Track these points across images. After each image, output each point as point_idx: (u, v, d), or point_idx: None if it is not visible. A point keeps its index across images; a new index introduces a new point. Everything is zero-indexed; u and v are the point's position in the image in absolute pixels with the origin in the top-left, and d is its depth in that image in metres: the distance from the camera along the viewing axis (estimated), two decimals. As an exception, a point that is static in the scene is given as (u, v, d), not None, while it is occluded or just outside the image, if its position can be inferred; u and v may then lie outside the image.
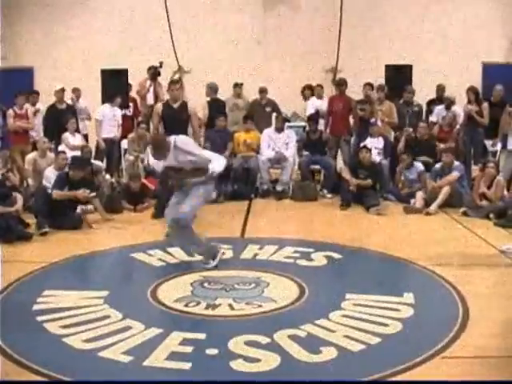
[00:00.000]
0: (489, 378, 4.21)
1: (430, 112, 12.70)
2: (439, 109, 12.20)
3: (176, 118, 8.87)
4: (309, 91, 13.55)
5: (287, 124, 12.36)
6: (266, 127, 12.01)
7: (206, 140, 11.50)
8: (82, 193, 8.81)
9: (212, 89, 12.72)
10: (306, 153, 11.70)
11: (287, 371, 4.30)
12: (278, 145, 11.57)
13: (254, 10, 15.79)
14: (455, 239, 8.15)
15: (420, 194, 10.08)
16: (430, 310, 5.53)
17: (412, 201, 10.10)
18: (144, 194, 10.21)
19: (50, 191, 9.00)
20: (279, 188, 11.43)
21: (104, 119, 12.34)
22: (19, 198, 8.49)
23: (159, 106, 9.26)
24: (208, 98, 12.60)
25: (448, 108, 11.95)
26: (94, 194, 9.06)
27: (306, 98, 13.48)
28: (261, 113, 12.80)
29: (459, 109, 12.05)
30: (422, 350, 4.56)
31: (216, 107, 12.39)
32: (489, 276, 6.53)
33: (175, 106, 9.04)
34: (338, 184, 10.90)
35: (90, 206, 9.30)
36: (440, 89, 13.02)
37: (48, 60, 15.85)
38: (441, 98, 12.73)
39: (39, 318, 5.27)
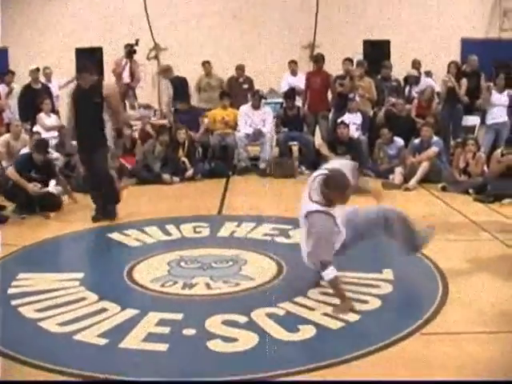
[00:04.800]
0: (468, 353, 4.20)
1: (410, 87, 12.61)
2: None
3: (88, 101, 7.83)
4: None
5: (264, 101, 12.24)
6: (244, 104, 11.90)
7: (177, 122, 11.41)
8: (32, 187, 8.32)
9: (166, 71, 12.68)
10: (283, 129, 11.62)
11: (265, 350, 4.25)
12: (255, 121, 11.49)
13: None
14: (434, 214, 8.13)
15: (399, 170, 10.04)
16: (410, 286, 5.50)
17: (391, 176, 10.07)
18: (121, 173, 10.07)
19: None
20: (262, 165, 11.36)
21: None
22: (-7, 180, 8.29)
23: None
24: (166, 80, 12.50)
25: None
26: (46, 189, 8.58)
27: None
28: (238, 90, 12.70)
29: (434, 83, 12.11)
30: (401, 326, 4.55)
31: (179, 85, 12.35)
32: (468, 251, 6.51)
33: (86, 87, 7.85)
34: (316, 160, 10.83)
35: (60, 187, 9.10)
36: (416, 63, 12.96)
37: (23, 40, 15.61)
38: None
39: (14, 302, 5.19)
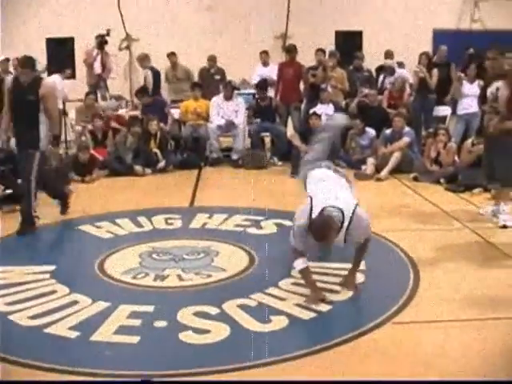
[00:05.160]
0: (439, 341, 4.24)
1: (383, 78, 12.65)
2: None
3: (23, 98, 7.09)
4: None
5: (236, 92, 12.21)
6: (216, 95, 11.84)
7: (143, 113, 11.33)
8: None
9: (143, 59, 12.60)
10: (256, 120, 11.59)
11: (237, 342, 4.26)
12: (227, 113, 11.45)
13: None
14: (406, 204, 8.19)
15: (371, 160, 10.09)
16: (381, 275, 5.52)
17: (363, 167, 10.10)
18: (93, 165, 10.01)
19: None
20: (235, 157, 11.33)
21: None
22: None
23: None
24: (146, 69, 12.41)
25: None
26: (10, 190, 8.27)
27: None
28: (210, 81, 12.64)
29: (408, 74, 12.15)
30: (372, 315, 4.58)
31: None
32: (439, 240, 6.55)
33: (24, 84, 7.12)
34: (288, 151, 10.83)
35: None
36: (388, 54, 13.00)
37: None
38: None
39: (-17, 296, 5.12)
